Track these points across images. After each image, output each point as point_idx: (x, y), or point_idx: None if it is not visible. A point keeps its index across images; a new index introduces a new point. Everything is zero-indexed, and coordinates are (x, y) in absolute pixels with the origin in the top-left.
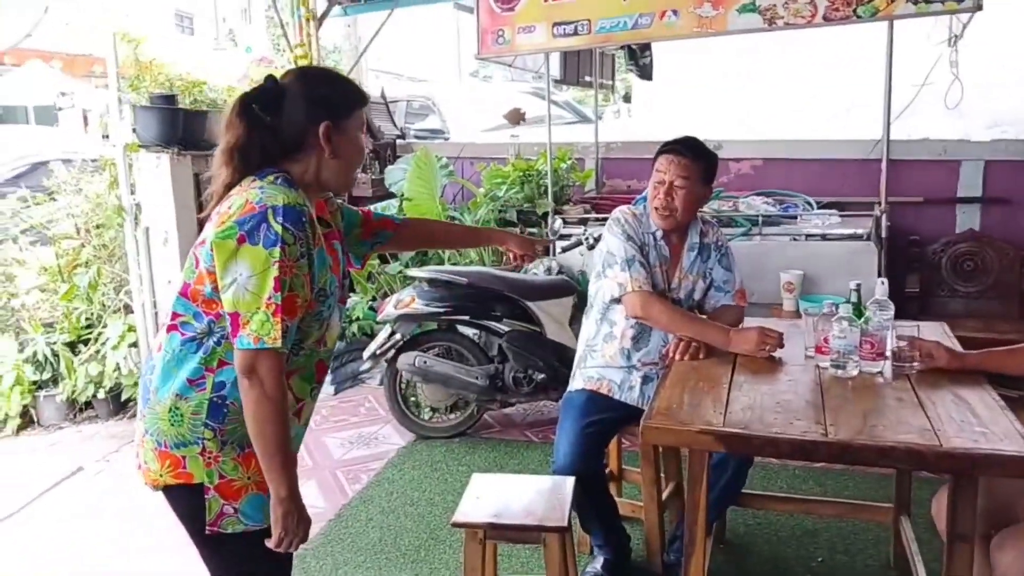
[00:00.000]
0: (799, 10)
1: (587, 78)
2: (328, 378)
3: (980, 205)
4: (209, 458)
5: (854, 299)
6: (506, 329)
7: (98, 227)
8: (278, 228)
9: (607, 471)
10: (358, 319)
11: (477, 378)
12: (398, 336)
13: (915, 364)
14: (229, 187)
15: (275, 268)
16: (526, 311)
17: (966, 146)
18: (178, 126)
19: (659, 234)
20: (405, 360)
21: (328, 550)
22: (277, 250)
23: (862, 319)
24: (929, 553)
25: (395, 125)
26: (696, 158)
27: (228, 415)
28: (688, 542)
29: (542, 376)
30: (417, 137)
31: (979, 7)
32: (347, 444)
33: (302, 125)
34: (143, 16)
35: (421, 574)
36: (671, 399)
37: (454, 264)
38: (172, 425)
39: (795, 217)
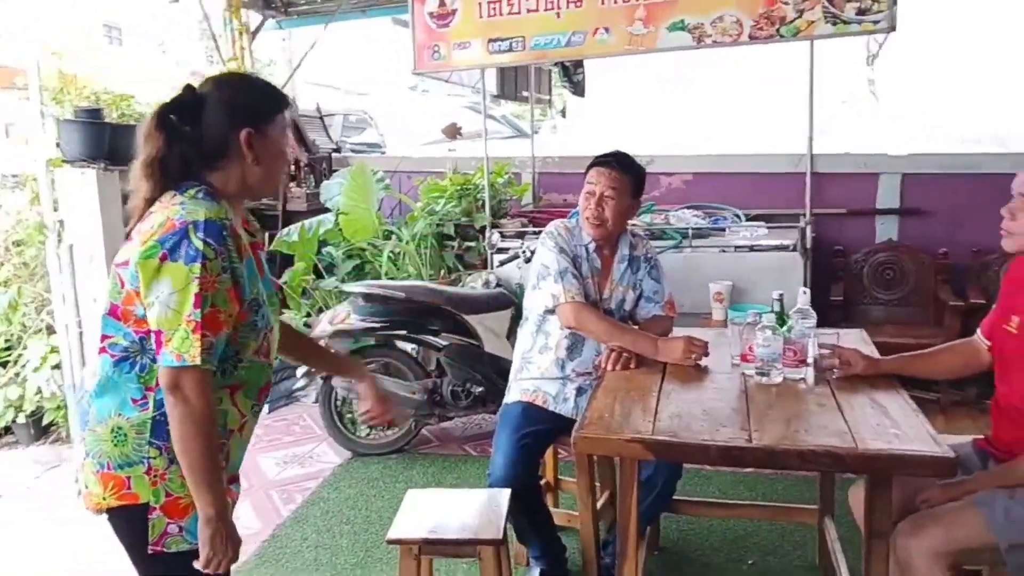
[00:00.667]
0: (726, 29)
1: (524, 93)
2: None
3: (898, 216)
4: (155, 476)
5: (777, 308)
6: (444, 343)
7: (18, 244)
8: (199, 244)
9: (543, 482)
10: None
11: (415, 393)
12: (332, 351)
13: (835, 371)
14: (150, 201)
15: (195, 284)
16: (464, 325)
17: (884, 160)
18: (104, 141)
19: (591, 246)
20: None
21: (262, 571)
22: (197, 266)
23: (785, 327)
24: (852, 551)
25: (330, 139)
26: (625, 171)
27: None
28: (620, 549)
29: (480, 389)
30: (353, 151)
31: (893, 28)
32: (281, 464)
33: (223, 133)
34: (69, 28)
35: None
36: (602, 409)
37: (391, 278)
38: (115, 445)
39: (724, 229)
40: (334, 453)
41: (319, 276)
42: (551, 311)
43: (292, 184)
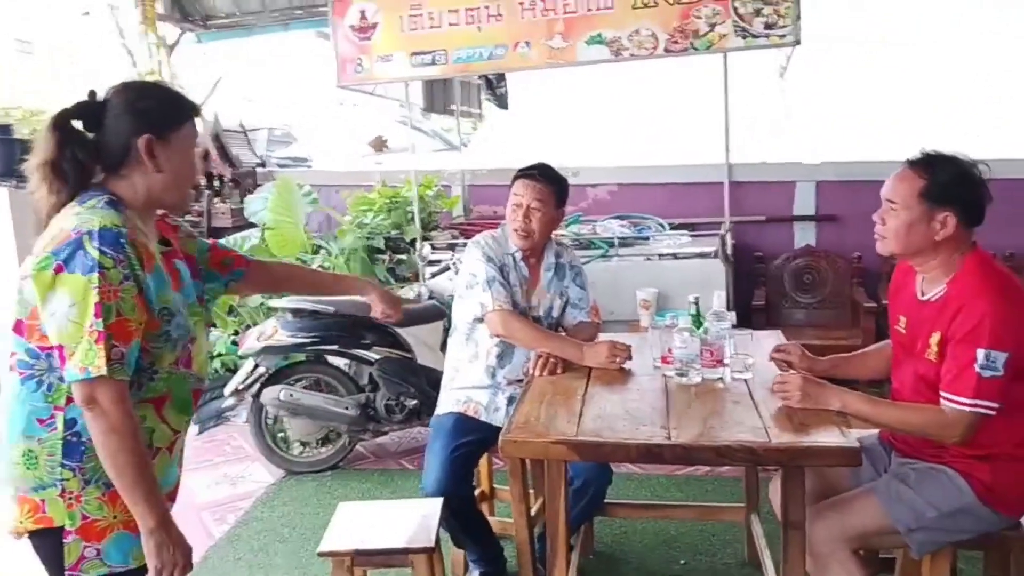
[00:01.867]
0: (642, 42)
1: (452, 107)
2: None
3: (815, 222)
4: (70, 499)
5: (693, 311)
6: (376, 357)
7: None
8: (95, 253)
9: (478, 491)
10: (220, 355)
11: (347, 408)
12: (262, 370)
13: (749, 372)
14: (54, 206)
15: (95, 294)
16: (396, 338)
17: (800, 168)
18: (15, 157)
19: (518, 255)
20: (270, 394)
21: None
22: (96, 276)
23: (701, 329)
24: (776, 545)
25: (255, 153)
26: (549, 183)
27: (86, 452)
28: (551, 551)
29: (414, 402)
30: (279, 166)
31: (798, 42)
32: (212, 485)
33: (124, 139)
34: None
35: None
36: (529, 413)
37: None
38: (28, 469)
39: (648, 239)
40: (267, 472)
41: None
42: (479, 320)
43: (216, 200)
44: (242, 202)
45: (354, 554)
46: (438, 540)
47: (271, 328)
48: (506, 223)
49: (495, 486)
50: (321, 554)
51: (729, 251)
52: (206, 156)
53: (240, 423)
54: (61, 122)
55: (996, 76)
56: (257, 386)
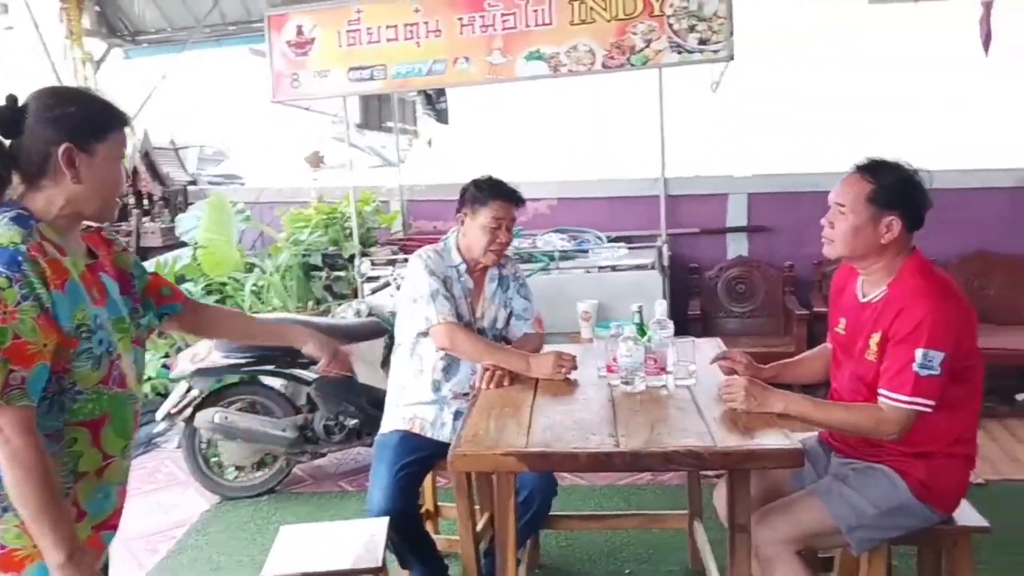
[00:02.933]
0: (580, 58)
1: (388, 124)
2: None
3: (746, 233)
4: None
5: (637, 320)
6: (314, 376)
7: None
8: None
9: (423, 510)
10: (150, 378)
11: (284, 430)
12: (195, 392)
13: (692, 378)
14: None
15: None
16: None
17: (731, 181)
18: None
19: (462, 268)
20: (203, 417)
21: None
22: None
23: (645, 338)
24: (719, 550)
25: (186, 171)
26: (521, 200)
27: (1, 480)
28: (500, 566)
29: (355, 422)
30: (211, 183)
31: (731, 57)
32: (144, 513)
33: (42, 148)
34: None
35: None
36: (477, 426)
37: (256, 312)
38: None
39: (587, 251)
40: (201, 499)
41: None
42: (424, 334)
43: (146, 219)
44: (172, 221)
45: None
46: (385, 561)
47: (204, 349)
48: (449, 237)
49: (439, 504)
50: None
51: (666, 262)
52: (135, 174)
53: (171, 449)
54: None
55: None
56: (190, 410)
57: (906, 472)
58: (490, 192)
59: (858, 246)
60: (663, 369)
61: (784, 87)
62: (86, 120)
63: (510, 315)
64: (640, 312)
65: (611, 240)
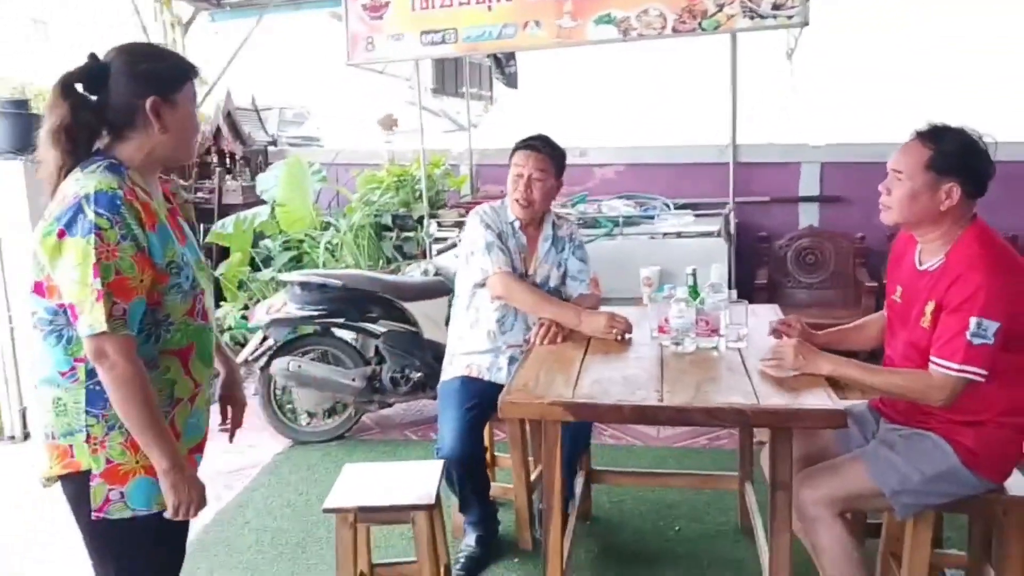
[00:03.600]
0: (650, 22)
1: (463, 90)
2: None
3: (818, 203)
4: (95, 444)
5: (690, 283)
6: (382, 330)
7: None
8: (92, 216)
9: None
10: (230, 328)
11: (353, 380)
12: (271, 341)
13: (743, 341)
14: (62, 171)
15: (93, 255)
16: (403, 312)
17: (804, 150)
18: (31, 132)
19: (516, 224)
20: (278, 365)
21: (203, 555)
22: (93, 237)
23: (698, 300)
24: (768, 512)
25: (266, 132)
26: (550, 153)
27: (108, 401)
28: (547, 509)
29: (419, 375)
30: (291, 145)
31: (806, 23)
32: (221, 454)
33: (129, 102)
34: None
35: (298, 571)
36: (527, 378)
37: (329, 268)
38: (57, 416)
39: (652, 217)
40: (275, 442)
41: (256, 269)
42: (481, 285)
43: (228, 177)
44: (253, 180)
45: (357, 510)
46: (439, 498)
47: (280, 301)
48: (507, 195)
49: (496, 454)
50: (326, 510)
51: (732, 230)
52: (218, 133)
53: (250, 395)
54: (68, 87)
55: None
56: (266, 358)
57: (954, 439)
58: (519, 143)
59: (915, 213)
60: (715, 331)
61: (861, 56)
62: (166, 73)
63: (564, 275)
64: (693, 275)
65: (679, 207)
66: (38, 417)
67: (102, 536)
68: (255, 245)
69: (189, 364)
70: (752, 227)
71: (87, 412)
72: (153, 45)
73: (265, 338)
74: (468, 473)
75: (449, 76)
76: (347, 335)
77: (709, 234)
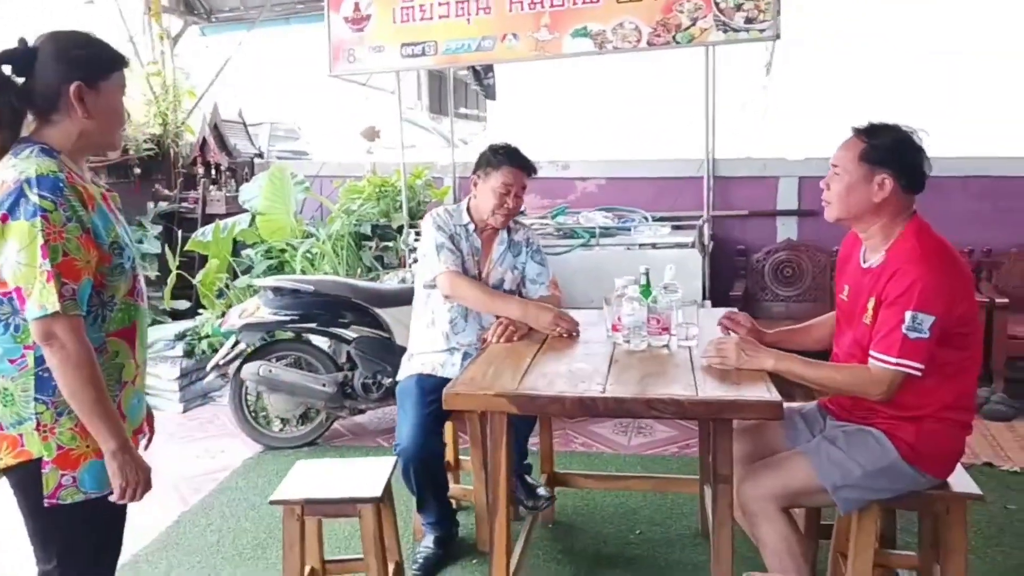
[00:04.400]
0: (626, 36)
1: (462, 110)
2: (176, 396)
3: (796, 217)
4: (45, 431)
5: (643, 281)
6: (354, 335)
7: None
8: (35, 199)
9: (444, 462)
10: (207, 335)
11: (324, 385)
12: (243, 346)
13: (694, 340)
14: None
15: (40, 236)
16: (375, 318)
17: (783, 164)
18: None
19: (471, 227)
20: (249, 369)
21: (163, 555)
22: (39, 220)
23: (650, 298)
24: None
25: (253, 144)
26: (532, 169)
27: (57, 387)
28: (492, 502)
29: (391, 381)
30: (279, 158)
31: (777, 36)
32: (192, 458)
33: (54, 86)
34: None
35: (256, 571)
36: (476, 372)
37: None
38: (4, 406)
39: (629, 229)
40: (246, 448)
41: (233, 276)
42: (432, 285)
43: (213, 187)
44: (238, 191)
45: (304, 503)
46: (388, 493)
47: (253, 306)
48: (473, 199)
49: (460, 457)
50: (272, 502)
51: (707, 241)
52: (204, 145)
53: (225, 403)
54: None
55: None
56: (238, 363)
57: (895, 435)
58: (504, 158)
59: (851, 205)
60: (666, 329)
61: (838, 69)
62: (93, 60)
63: (522, 279)
64: (647, 274)
65: (657, 220)
66: None
67: (51, 522)
68: (237, 254)
69: (135, 346)
70: (730, 240)
71: (36, 399)
72: (82, 32)
73: (237, 342)
74: (425, 469)
75: (445, 97)
76: (321, 341)
77: (684, 245)
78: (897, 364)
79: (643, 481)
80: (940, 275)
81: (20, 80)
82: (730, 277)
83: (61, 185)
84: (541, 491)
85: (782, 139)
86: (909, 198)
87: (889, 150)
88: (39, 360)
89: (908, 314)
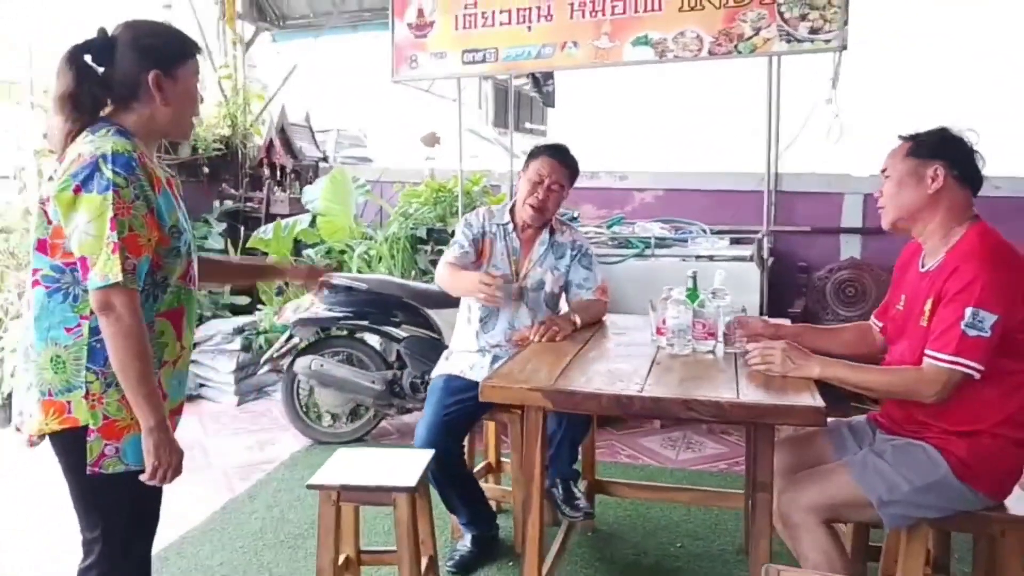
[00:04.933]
0: (687, 44)
1: (527, 125)
2: (232, 389)
3: (861, 235)
4: (93, 400)
5: (690, 285)
6: (404, 335)
7: (4, 232)
8: (109, 174)
9: (484, 463)
10: (265, 331)
11: (374, 382)
12: (296, 340)
13: (742, 342)
14: (69, 136)
15: (110, 210)
16: (427, 319)
17: (848, 180)
18: None
19: (509, 227)
20: (301, 364)
21: (207, 538)
22: (110, 194)
23: (696, 302)
24: (776, 537)
25: (318, 147)
26: (570, 165)
27: (108, 359)
28: (525, 500)
29: None
30: (344, 163)
31: (844, 47)
32: (243, 448)
33: (133, 74)
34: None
35: (296, 558)
36: (515, 367)
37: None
38: (56, 373)
39: (685, 240)
40: (295, 441)
41: None
42: None
43: (278, 188)
44: (301, 192)
45: (340, 488)
46: (426, 486)
47: (308, 302)
48: (513, 197)
49: (502, 459)
50: (309, 486)
51: (766, 255)
52: (270, 147)
53: (278, 398)
54: (75, 57)
55: None
56: (291, 357)
57: (947, 449)
58: (542, 149)
59: (905, 203)
60: (711, 334)
61: (905, 84)
62: (169, 49)
63: (566, 283)
64: (694, 277)
65: (716, 233)
66: (32, 374)
67: (94, 490)
68: (298, 254)
69: (182, 327)
70: (792, 256)
71: (87, 368)
72: (157, 22)
73: (291, 337)
74: (440, 469)
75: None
76: (372, 340)
77: (742, 258)
78: (952, 362)
79: (686, 493)
80: (1005, 273)
81: (100, 69)
82: (791, 294)
83: (134, 164)
84: (582, 503)
85: (848, 155)
86: (966, 194)
87: (935, 142)
88: (94, 331)
89: (968, 310)
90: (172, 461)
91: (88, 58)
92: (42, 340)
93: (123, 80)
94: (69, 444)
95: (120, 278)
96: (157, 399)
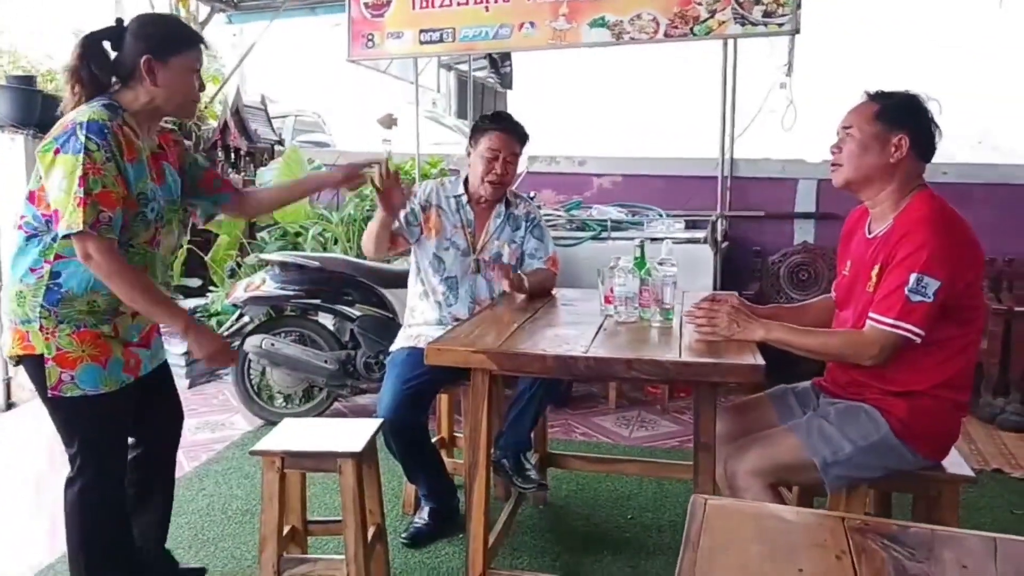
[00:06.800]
0: (643, 27)
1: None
2: (183, 371)
3: (815, 220)
4: (47, 333)
5: (637, 254)
6: (357, 314)
7: None
8: (82, 138)
9: (438, 438)
10: (217, 313)
11: (326, 362)
12: (247, 319)
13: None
14: (75, 106)
15: (80, 169)
16: (381, 298)
17: (802, 166)
18: (35, 108)
19: (463, 198)
20: (252, 342)
21: None
22: (82, 155)
23: (643, 271)
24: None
25: (273, 130)
26: (520, 132)
27: (61, 300)
28: (472, 466)
29: None
30: (301, 147)
31: (797, 31)
32: (193, 430)
33: (132, 57)
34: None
35: (242, 534)
36: (463, 332)
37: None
38: (18, 305)
39: (641, 223)
40: (247, 423)
41: (243, 253)
42: (427, 258)
43: (232, 171)
44: (255, 174)
45: (284, 454)
46: (373, 454)
47: (259, 280)
48: (465, 172)
49: (455, 434)
50: (252, 452)
51: (720, 238)
52: (224, 128)
53: (230, 381)
54: (88, 41)
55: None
56: (241, 336)
57: (887, 410)
58: (492, 123)
59: (865, 166)
60: (658, 301)
61: (858, 70)
62: (165, 38)
63: (522, 255)
64: (641, 246)
65: (671, 217)
66: (5, 304)
67: (61, 410)
68: (253, 236)
69: None
70: (747, 241)
71: (42, 306)
72: (163, 14)
73: (242, 315)
74: (403, 439)
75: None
76: (325, 320)
77: (695, 240)
78: (894, 326)
79: (636, 465)
80: (951, 240)
81: (114, 53)
82: (745, 277)
83: (105, 131)
84: (533, 474)
85: (802, 141)
86: (920, 166)
87: (906, 110)
88: (53, 275)
89: (913, 276)
90: (216, 345)
91: (107, 45)
92: (13, 275)
93: (124, 62)
94: (32, 369)
95: (81, 227)
96: (175, 308)
